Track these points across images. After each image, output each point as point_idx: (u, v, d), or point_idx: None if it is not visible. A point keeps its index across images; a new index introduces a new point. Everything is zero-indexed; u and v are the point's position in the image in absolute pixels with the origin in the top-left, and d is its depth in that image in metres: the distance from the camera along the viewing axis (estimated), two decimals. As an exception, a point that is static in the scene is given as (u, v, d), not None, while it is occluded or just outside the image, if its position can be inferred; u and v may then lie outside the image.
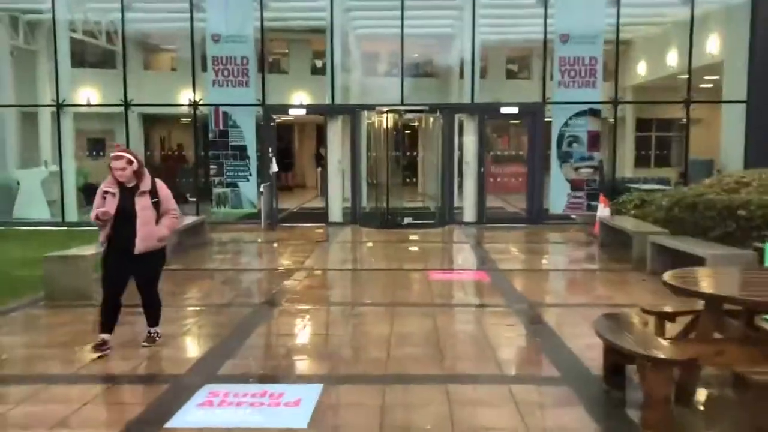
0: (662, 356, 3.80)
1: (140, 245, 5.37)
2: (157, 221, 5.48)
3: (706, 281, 4.65)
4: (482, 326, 6.43)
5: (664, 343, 4.05)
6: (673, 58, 17.18)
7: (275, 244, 12.11)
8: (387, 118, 13.84)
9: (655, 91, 18.77)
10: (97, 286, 5.95)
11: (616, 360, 4.39)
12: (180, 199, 16.34)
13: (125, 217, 5.33)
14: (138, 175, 5.41)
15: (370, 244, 12.22)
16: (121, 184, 5.37)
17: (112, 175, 5.37)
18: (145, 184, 5.43)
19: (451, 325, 6.64)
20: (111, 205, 5.32)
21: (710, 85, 17.07)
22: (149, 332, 5.77)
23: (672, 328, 5.00)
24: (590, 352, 5.25)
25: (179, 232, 11.03)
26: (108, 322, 5.51)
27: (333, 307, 7.46)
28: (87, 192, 15.38)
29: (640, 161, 21.64)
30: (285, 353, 5.71)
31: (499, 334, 6.17)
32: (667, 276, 4.42)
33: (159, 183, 5.57)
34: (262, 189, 13.79)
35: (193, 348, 5.92)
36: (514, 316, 6.79)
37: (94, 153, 18.24)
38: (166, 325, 6.02)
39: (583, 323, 6.47)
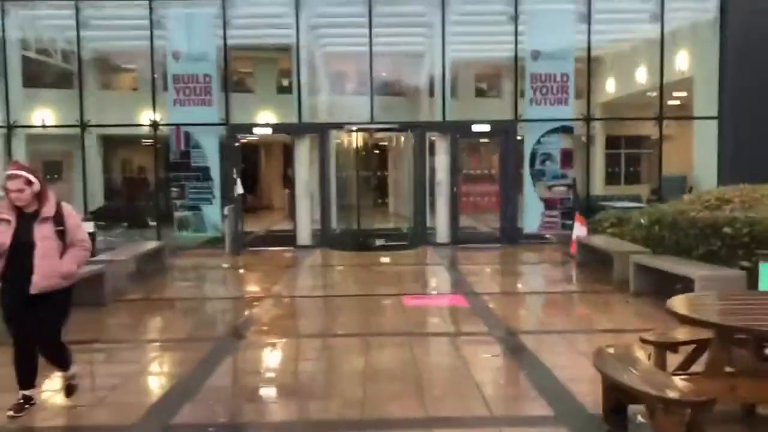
0: (676, 397, 3.38)
1: (39, 283, 4.38)
2: (63, 254, 4.50)
3: (713, 309, 4.27)
4: (464, 357, 5.96)
5: (677, 381, 3.63)
6: (642, 75, 17.13)
7: (241, 270, 11.53)
8: (356, 137, 13.42)
9: (625, 108, 18.71)
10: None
11: (618, 398, 3.96)
12: (141, 224, 15.94)
13: (22, 249, 4.37)
14: (39, 197, 4.48)
15: (340, 268, 11.70)
16: (18, 209, 4.44)
17: (7, 198, 4.43)
18: (48, 209, 4.49)
19: (431, 356, 6.17)
20: (4, 235, 4.38)
21: (679, 102, 17.05)
22: (66, 383, 4.79)
23: (673, 358, 4.61)
24: (582, 385, 4.84)
25: (138, 258, 10.45)
26: (26, 374, 4.57)
27: (303, 339, 6.93)
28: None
29: (611, 179, 21.56)
30: (250, 394, 5.15)
31: (482, 366, 5.72)
32: (673, 303, 4.02)
33: (66, 208, 4.63)
34: (226, 212, 13.21)
35: (146, 391, 5.32)
36: (497, 345, 6.35)
37: (50, 177, 17.45)
38: (117, 364, 5.45)
39: (570, 351, 6.07)
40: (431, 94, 15.71)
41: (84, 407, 4.73)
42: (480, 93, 22.22)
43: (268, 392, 5.29)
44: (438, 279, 10.83)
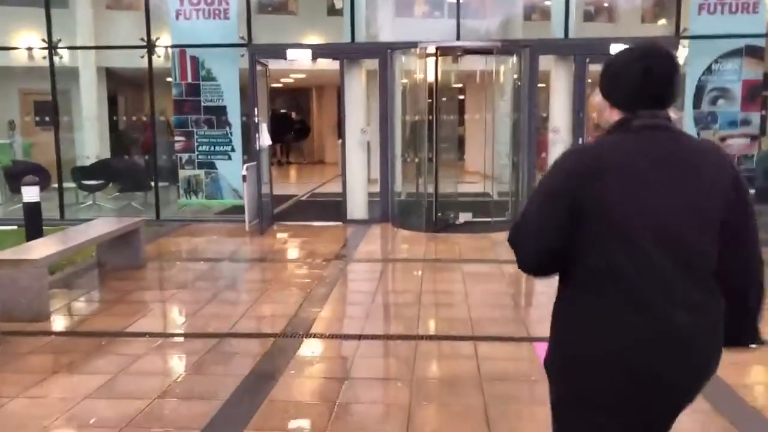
0: None
1: None
2: None
3: None
4: None
5: None
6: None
7: (255, 266, 7.46)
8: (436, 61, 9.00)
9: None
10: None
11: None
12: (136, 185, 10.80)
13: None
14: None
15: (418, 271, 7.30)
16: None
17: None
18: None
19: None
20: None
21: None
22: None
23: None
24: None
25: (101, 248, 6.59)
26: None
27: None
28: (13, 176, 10.95)
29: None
30: None
31: None
32: None
33: None
34: (245, 171, 9.15)
35: None
36: None
37: (39, 119, 13.79)
38: None
39: None
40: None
41: None
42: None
43: None
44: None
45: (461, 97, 13.10)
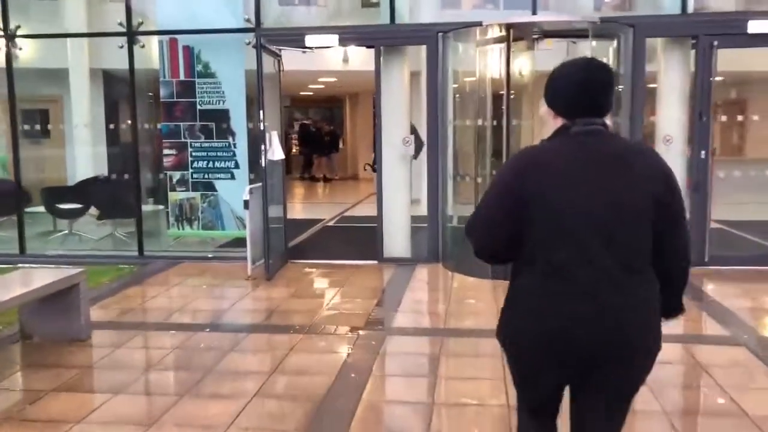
0: None
1: None
2: None
3: None
4: None
5: None
6: None
7: (246, 344, 5.02)
8: (508, 47, 6.56)
9: None
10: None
11: None
12: (120, 211, 7.87)
13: None
14: None
15: (480, 357, 4.77)
16: None
17: None
18: None
19: None
20: None
21: None
22: None
23: None
24: None
25: (25, 313, 4.33)
26: None
27: None
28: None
29: None
30: None
31: None
32: None
33: None
34: (247, 195, 6.81)
35: None
36: None
37: (29, 128, 11.74)
38: None
39: None
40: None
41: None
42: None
43: None
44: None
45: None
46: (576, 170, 1.94)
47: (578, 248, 1.91)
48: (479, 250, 2.07)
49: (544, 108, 2.11)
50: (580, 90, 1.99)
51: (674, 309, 2.14)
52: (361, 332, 5.04)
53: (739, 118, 11.29)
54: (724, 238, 7.80)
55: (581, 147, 1.98)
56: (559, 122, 2.04)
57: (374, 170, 10.17)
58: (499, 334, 2.13)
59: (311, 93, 19.15)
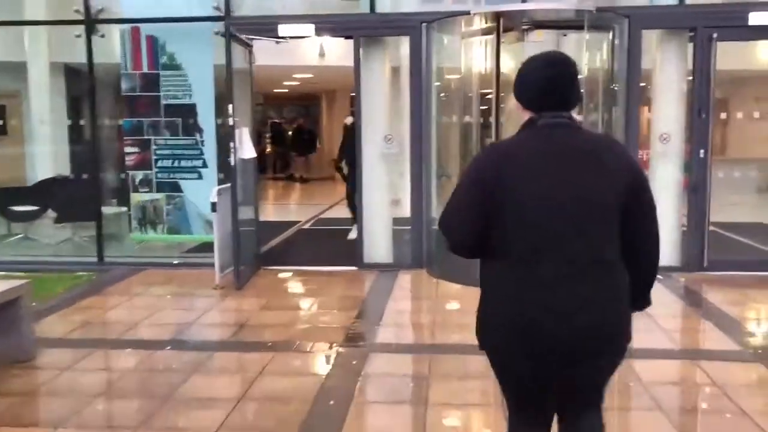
0: None
1: None
2: None
3: None
4: None
5: None
6: None
7: (210, 365, 4.47)
8: (498, 37, 6.10)
9: None
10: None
11: None
12: (78, 213, 6.68)
13: None
14: None
15: (471, 379, 4.24)
16: None
17: None
18: None
19: None
20: None
21: None
22: None
23: None
24: None
25: None
26: None
27: None
28: None
29: None
30: None
31: None
32: None
33: None
34: (215, 197, 6.26)
35: None
36: None
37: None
38: None
39: None
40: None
41: None
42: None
43: None
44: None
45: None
46: (538, 162, 1.96)
47: (543, 239, 1.93)
48: (454, 244, 2.08)
49: (513, 102, 2.14)
50: (545, 84, 2.02)
51: (643, 301, 2.15)
52: (340, 349, 4.54)
53: (722, 116, 11.03)
54: (720, 241, 7.42)
55: (547, 139, 2.00)
56: (527, 116, 2.06)
57: (338, 170, 9.70)
58: (477, 331, 2.14)
59: (286, 90, 18.57)
